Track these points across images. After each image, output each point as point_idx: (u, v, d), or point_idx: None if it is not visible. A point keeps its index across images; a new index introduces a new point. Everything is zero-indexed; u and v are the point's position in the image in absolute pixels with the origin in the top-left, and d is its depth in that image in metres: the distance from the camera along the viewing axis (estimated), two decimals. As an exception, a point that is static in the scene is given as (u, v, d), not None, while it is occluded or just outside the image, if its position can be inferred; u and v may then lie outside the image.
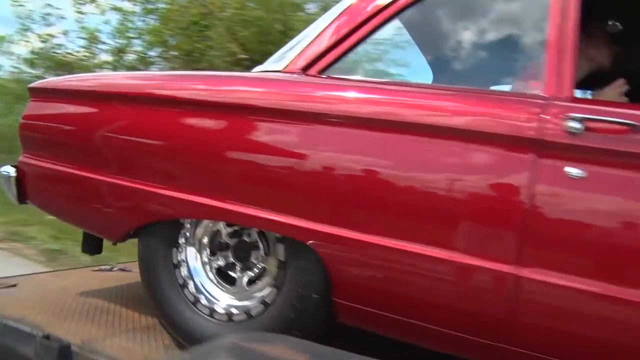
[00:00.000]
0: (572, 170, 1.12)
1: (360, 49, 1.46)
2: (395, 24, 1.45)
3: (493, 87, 1.47)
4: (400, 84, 1.44)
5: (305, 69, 1.46)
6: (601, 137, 1.12)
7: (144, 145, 1.53)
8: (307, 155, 1.34)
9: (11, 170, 1.79)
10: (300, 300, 1.38)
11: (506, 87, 1.47)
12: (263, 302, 1.46)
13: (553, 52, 1.23)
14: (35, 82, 1.88)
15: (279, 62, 1.57)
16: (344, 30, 1.44)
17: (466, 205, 1.21)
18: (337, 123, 1.32)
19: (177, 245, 1.58)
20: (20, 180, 1.80)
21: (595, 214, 1.14)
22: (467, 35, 1.46)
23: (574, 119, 1.12)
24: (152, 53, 8.20)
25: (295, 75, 1.46)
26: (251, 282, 1.54)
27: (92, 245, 1.92)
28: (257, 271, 1.53)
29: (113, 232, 1.70)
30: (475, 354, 1.27)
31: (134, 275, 2.41)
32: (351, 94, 1.37)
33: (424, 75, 1.52)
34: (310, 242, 1.32)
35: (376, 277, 1.30)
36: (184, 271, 1.57)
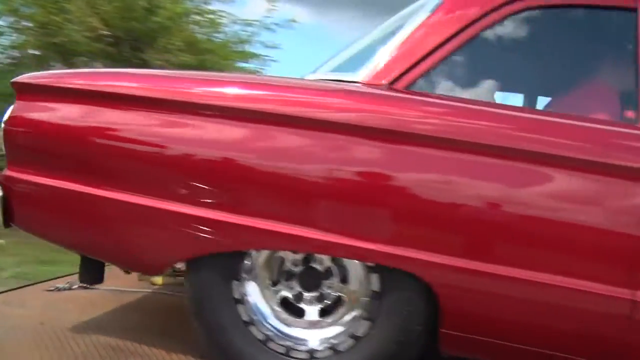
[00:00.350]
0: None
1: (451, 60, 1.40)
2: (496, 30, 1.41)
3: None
4: (506, 107, 1.42)
5: (392, 83, 1.36)
6: None
7: (209, 162, 1.31)
8: (420, 183, 1.27)
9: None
10: (401, 332, 1.32)
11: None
12: (352, 336, 1.35)
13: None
14: (23, 76, 1.47)
15: (353, 72, 1.44)
16: (435, 40, 1.37)
17: (583, 233, 1.25)
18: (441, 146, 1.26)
19: (237, 277, 1.39)
20: (5, 199, 1.43)
21: None
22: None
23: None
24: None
25: (391, 92, 1.36)
26: (324, 313, 1.42)
27: (92, 274, 1.61)
28: (328, 302, 1.41)
29: (148, 265, 1.44)
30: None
31: (103, 294, 2.10)
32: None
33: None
34: (424, 274, 1.25)
35: (493, 306, 1.29)
36: (248, 306, 1.39)
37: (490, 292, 1.27)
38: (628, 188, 1.23)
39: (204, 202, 1.30)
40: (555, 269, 1.23)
